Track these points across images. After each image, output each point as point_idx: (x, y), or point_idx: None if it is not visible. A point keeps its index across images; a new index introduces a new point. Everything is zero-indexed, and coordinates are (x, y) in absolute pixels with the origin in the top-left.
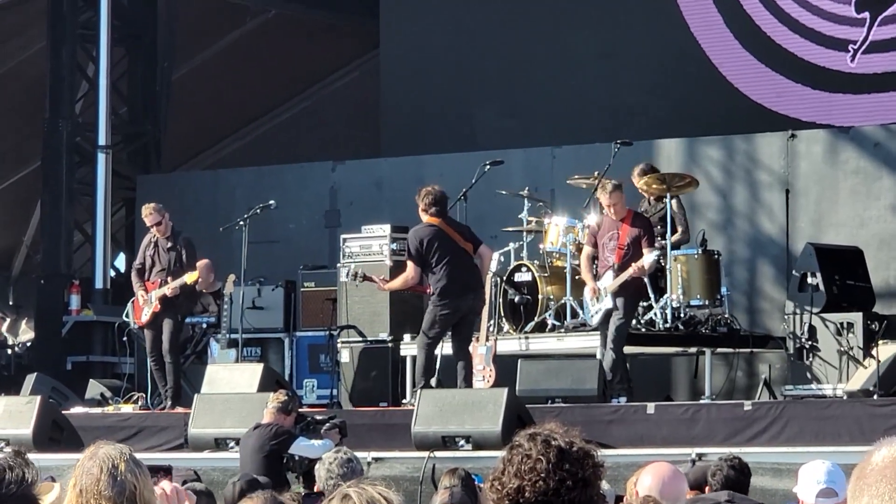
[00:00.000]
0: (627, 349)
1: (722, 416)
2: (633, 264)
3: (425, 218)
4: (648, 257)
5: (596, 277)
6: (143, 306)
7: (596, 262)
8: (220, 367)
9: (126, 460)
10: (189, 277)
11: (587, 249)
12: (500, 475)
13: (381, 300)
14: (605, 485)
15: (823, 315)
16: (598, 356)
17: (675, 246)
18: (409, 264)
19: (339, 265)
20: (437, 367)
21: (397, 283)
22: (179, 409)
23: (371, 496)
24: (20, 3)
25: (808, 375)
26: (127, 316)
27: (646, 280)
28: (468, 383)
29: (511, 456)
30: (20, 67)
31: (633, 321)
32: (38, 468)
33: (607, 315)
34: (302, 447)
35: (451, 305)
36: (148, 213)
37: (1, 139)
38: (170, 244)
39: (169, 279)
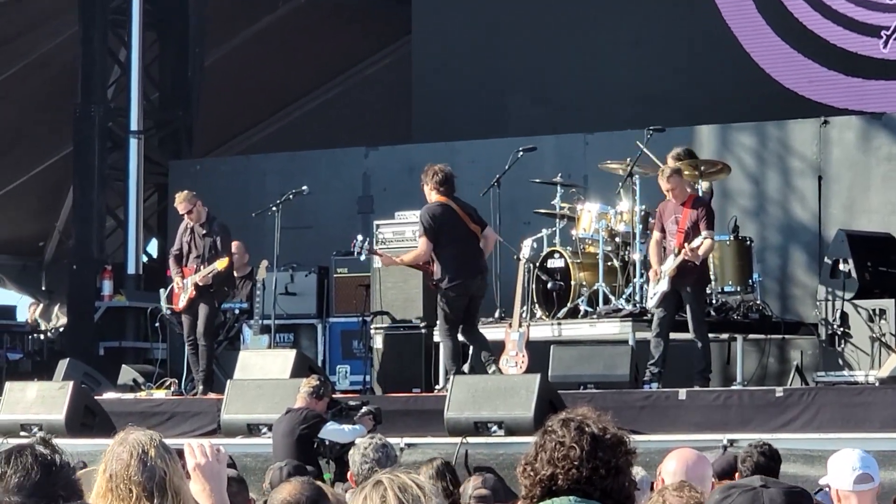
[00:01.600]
0: (674, 336)
1: (754, 403)
2: (684, 248)
3: (434, 196)
4: (698, 240)
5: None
6: (180, 292)
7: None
8: (252, 352)
9: (156, 446)
10: (219, 264)
11: (655, 235)
12: (532, 461)
13: (415, 286)
14: (640, 471)
15: (855, 301)
16: (631, 342)
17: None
18: (423, 241)
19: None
20: (471, 352)
21: (408, 257)
22: (212, 395)
23: (403, 483)
24: None
25: (840, 362)
26: (167, 301)
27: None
28: (496, 363)
29: (544, 442)
30: (52, 53)
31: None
32: (69, 453)
33: (663, 298)
34: (332, 431)
35: (462, 288)
36: (180, 201)
37: (33, 125)
38: (205, 230)
39: (203, 265)
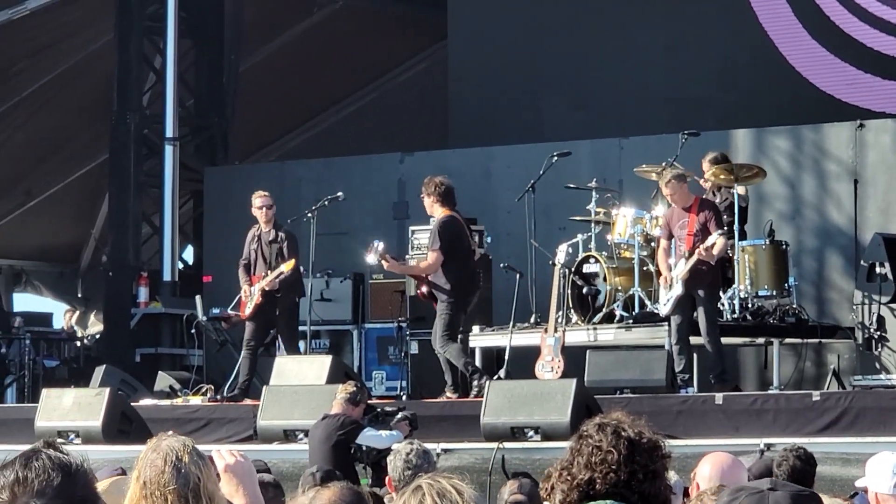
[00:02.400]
0: (694, 340)
1: (791, 407)
2: (697, 249)
3: (440, 210)
4: (711, 239)
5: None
6: (247, 300)
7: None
8: (288, 359)
9: (190, 452)
10: (285, 266)
11: (663, 243)
12: (569, 465)
13: None
14: (673, 475)
15: (892, 305)
16: (667, 346)
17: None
18: (436, 254)
19: (407, 257)
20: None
21: (416, 269)
22: (248, 401)
23: (442, 488)
24: None
25: (877, 365)
26: (233, 309)
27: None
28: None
29: (580, 446)
30: (88, 60)
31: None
32: (107, 460)
33: (677, 303)
34: (369, 437)
35: (467, 301)
36: (260, 195)
37: (69, 132)
38: (271, 237)
39: (269, 272)
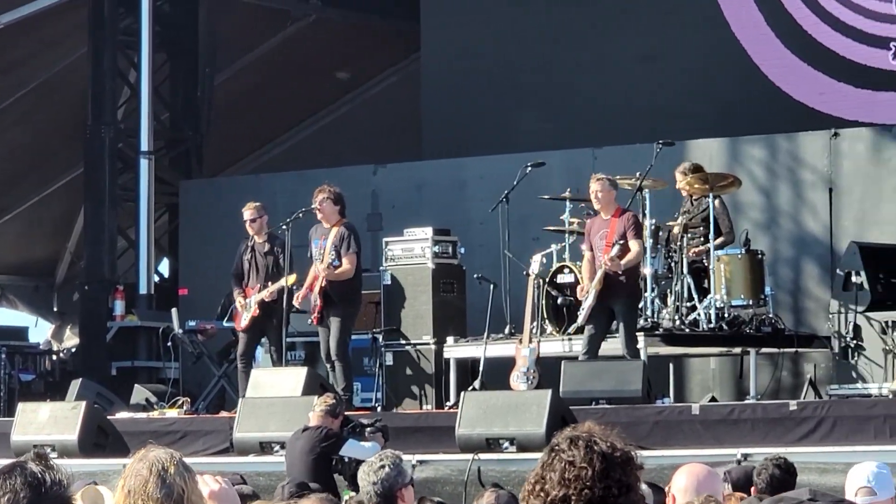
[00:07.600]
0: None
1: (767, 416)
2: (603, 258)
3: (339, 217)
4: (615, 248)
5: None
6: (242, 311)
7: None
8: (264, 371)
9: (176, 464)
10: (288, 281)
11: (587, 254)
12: (541, 480)
13: (424, 303)
14: (643, 486)
15: (868, 314)
16: (643, 357)
17: (720, 248)
18: (355, 258)
19: (381, 268)
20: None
21: (344, 272)
22: (224, 413)
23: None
24: (62, 13)
25: (854, 375)
26: (229, 321)
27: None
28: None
29: (552, 461)
30: (63, 74)
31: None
32: (83, 473)
33: (590, 314)
34: (352, 448)
35: (359, 310)
36: (247, 208)
37: (44, 146)
38: (266, 248)
39: (269, 283)
